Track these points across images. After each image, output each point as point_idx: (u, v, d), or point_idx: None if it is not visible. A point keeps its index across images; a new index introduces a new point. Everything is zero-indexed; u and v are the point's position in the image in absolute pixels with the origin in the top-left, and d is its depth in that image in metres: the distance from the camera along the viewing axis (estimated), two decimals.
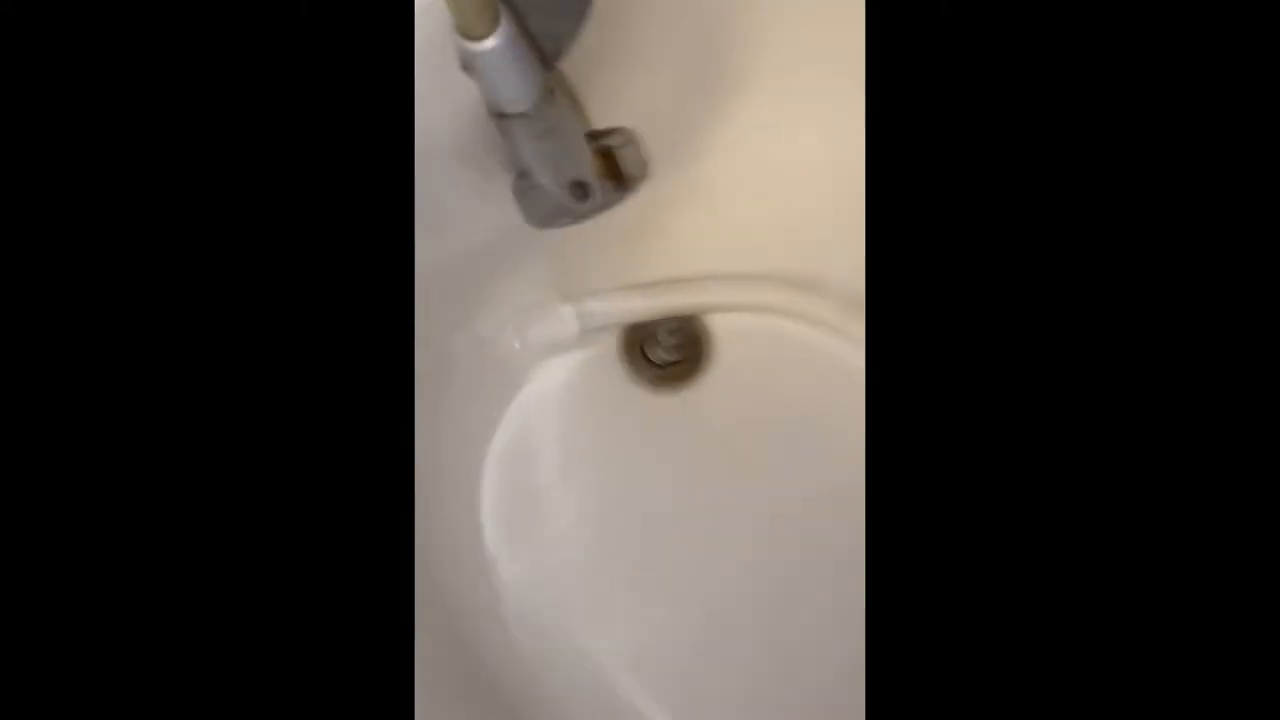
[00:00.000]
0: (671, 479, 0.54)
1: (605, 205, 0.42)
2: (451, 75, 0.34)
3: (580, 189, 0.38)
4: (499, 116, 0.32)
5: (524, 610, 0.49)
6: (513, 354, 0.50)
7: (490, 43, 0.29)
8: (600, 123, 0.42)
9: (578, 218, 0.41)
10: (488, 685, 0.46)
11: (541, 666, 0.48)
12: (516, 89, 0.30)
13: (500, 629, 0.48)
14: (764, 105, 0.52)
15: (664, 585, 0.52)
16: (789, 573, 0.52)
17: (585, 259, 0.52)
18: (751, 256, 0.53)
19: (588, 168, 0.37)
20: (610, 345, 0.55)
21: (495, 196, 0.43)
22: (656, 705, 0.49)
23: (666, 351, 0.54)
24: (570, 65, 0.38)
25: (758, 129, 0.53)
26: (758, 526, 0.53)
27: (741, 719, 0.49)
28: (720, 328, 0.55)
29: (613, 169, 0.41)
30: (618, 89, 0.44)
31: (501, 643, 0.48)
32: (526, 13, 0.31)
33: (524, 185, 0.41)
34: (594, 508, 0.53)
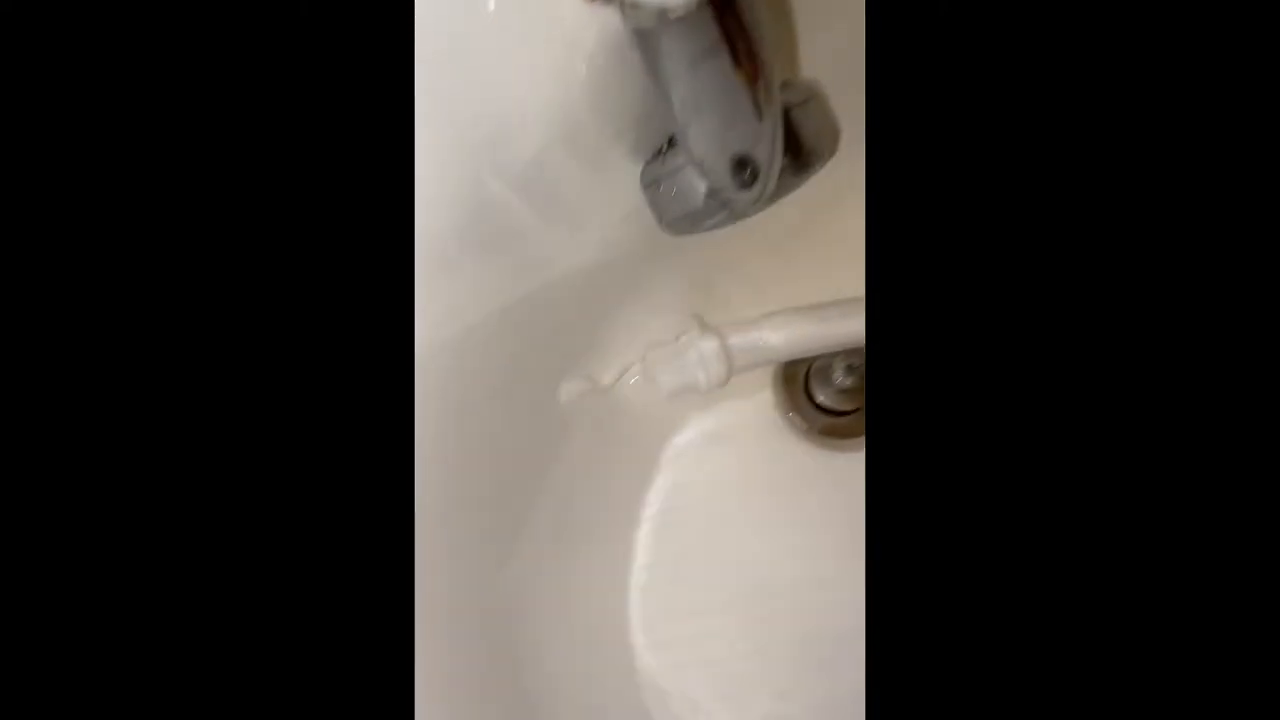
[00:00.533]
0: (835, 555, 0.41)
1: (774, 194, 0.28)
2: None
3: (744, 167, 0.25)
4: (639, 32, 0.20)
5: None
6: (640, 404, 0.39)
7: None
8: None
9: (735, 216, 0.28)
10: None
11: None
12: None
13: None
14: None
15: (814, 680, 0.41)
16: None
17: (733, 272, 0.40)
18: None
19: (770, 133, 0.24)
20: (764, 382, 0.41)
21: (611, 194, 0.31)
22: None
23: (839, 396, 0.41)
24: None
25: None
26: None
27: None
28: None
29: (788, 137, 0.28)
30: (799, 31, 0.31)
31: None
32: None
33: (658, 172, 0.28)
34: (743, 589, 0.41)
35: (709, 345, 0.37)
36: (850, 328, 0.37)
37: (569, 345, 0.38)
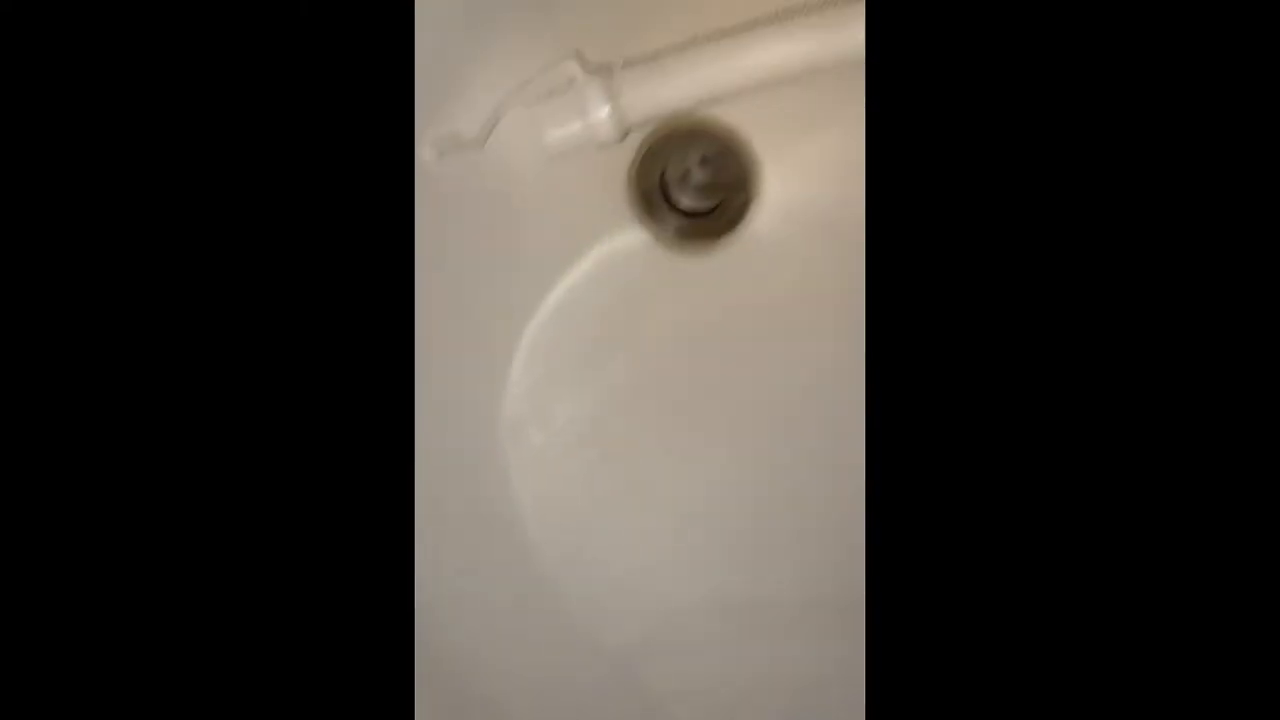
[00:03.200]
0: (699, 361, 0.39)
1: None
2: None
3: None
4: None
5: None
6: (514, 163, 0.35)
7: None
8: None
9: None
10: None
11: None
12: None
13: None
14: None
15: (669, 497, 0.39)
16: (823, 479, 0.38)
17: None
18: None
19: None
20: (617, 173, 0.38)
21: None
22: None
23: (697, 194, 0.38)
24: None
25: None
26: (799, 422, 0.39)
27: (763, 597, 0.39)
28: (779, 157, 0.39)
29: None
30: None
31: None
32: None
33: None
34: (599, 401, 0.39)
35: (592, 86, 0.32)
36: (771, 55, 0.32)
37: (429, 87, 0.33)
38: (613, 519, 0.38)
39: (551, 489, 0.38)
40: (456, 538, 0.35)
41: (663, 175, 0.38)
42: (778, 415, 0.39)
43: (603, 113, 0.32)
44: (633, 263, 0.38)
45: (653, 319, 0.39)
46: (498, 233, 0.37)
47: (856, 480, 0.38)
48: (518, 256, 0.37)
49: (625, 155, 0.38)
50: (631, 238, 0.38)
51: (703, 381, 0.39)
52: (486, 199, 0.36)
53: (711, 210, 0.38)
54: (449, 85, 0.33)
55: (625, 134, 0.33)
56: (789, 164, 0.39)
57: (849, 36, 0.31)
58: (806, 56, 0.32)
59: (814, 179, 0.39)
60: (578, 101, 0.32)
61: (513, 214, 0.37)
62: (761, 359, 0.39)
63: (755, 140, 0.39)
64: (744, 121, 0.38)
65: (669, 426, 0.39)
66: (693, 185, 0.38)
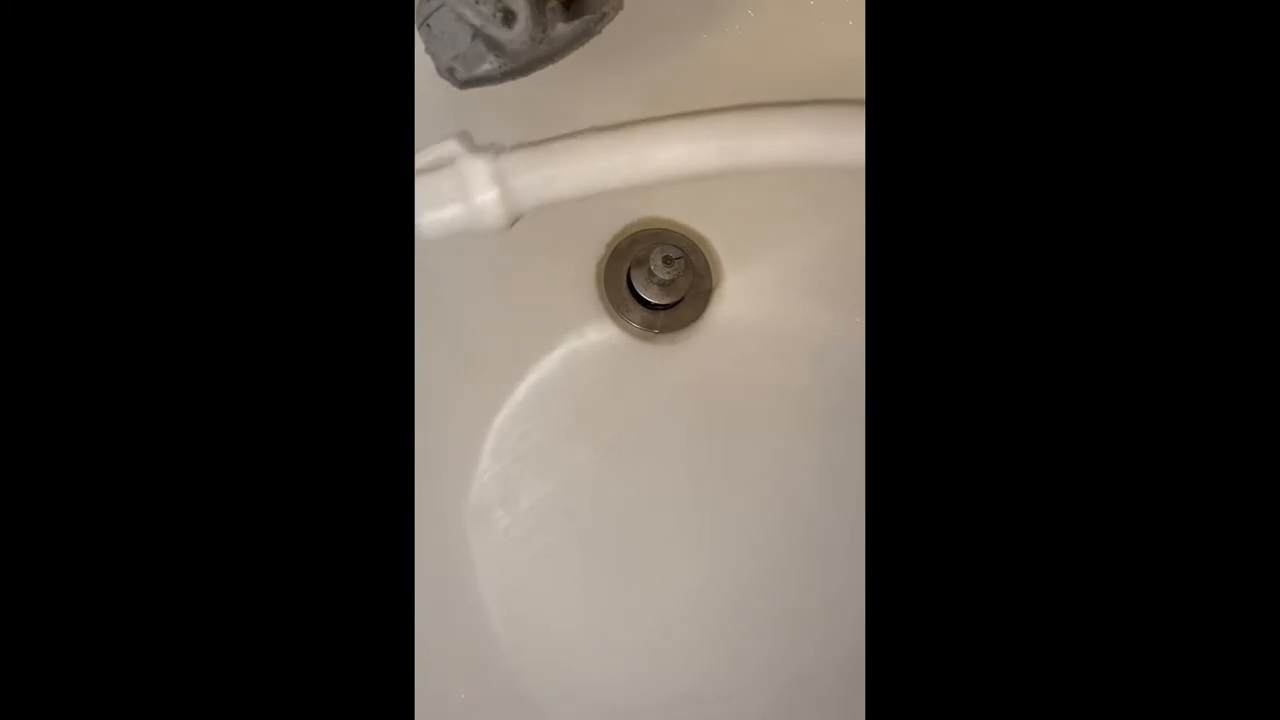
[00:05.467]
0: (665, 447, 0.41)
1: (559, 44, 0.27)
2: None
3: (506, 13, 0.24)
4: None
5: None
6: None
7: None
8: None
9: (515, 63, 0.27)
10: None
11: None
12: None
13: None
14: None
15: (637, 583, 0.41)
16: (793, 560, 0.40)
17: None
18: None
19: None
20: (587, 272, 0.41)
21: None
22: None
23: (661, 290, 0.41)
24: None
25: None
26: (762, 507, 0.40)
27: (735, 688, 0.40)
28: (730, 251, 0.42)
29: None
30: None
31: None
32: None
33: (424, 9, 0.27)
34: (566, 483, 0.41)
35: (476, 168, 0.29)
36: (666, 154, 0.31)
37: None
38: (580, 604, 0.40)
39: (516, 571, 0.40)
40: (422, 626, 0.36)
41: (629, 272, 0.41)
42: (740, 499, 0.41)
43: (490, 196, 0.29)
44: (600, 354, 0.41)
45: (620, 407, 0.42)
46: (471, 325, 0.40)
47: (826, 561, 0.40)
48: (486, 351, 0.40)
49: (595, 254, 0.41)
50: (600, 330, 0.41)
51: (670, 463, 0.42)
52: (459, 292, 0.39)
53: (674, 304, 0.41)
54: None
55: (514, 221, 0.31)
56: (746, 263, 0.42)
57: (756, 144, 0.30)
58: (707, 161, 0.31)
59: (768, 277, 0.41)
60: (459, 183, 0.29)
61: (483, 308, 0.40)
62: (724, 445, 0.41)
63: (715, 240, 0.42)
64: (704, 223, 0.41)
65: (636, 512, 0.41)
66: (657, 282, 0.40)
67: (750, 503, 0.41)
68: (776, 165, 0.30)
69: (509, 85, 0.30)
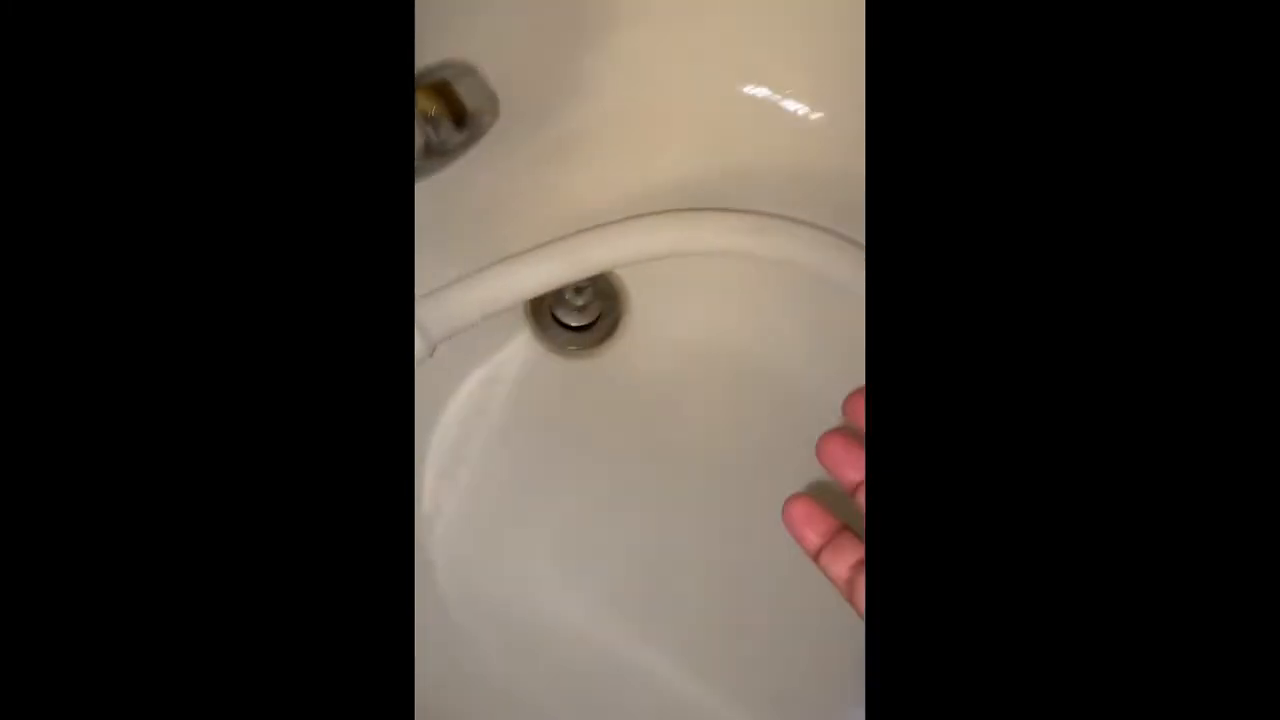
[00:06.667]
0: (604, 445, 0.50)
1: (450, 149, 0.38)
2: None
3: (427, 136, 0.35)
4: None
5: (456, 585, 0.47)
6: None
7: None
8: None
9: (418, 170, 0.37)
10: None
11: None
12: None
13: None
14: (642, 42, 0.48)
15: (600, 548, 0.49)
16: (731, 525, 0.49)
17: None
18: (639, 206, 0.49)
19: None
20: (518, 313, 0.51)
21: None
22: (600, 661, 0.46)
23: (578, 314, 0.51)
24: None
25: (634, 68, 0.49)
26: (697, 481, 0.49)
27: (689, 665, 0.47)
28: (630, 276, 0.52)
29: (451, 104, 0.37)
30: (451, 32, 0.41)
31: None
32: None
33: None
34: (527, 484, 0.50)
35: None
36: (539, 277, 0.43)
37: None
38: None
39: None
40: None
41: (550, 300, 0.51)
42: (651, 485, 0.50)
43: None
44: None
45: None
46: None
47: (750, 518, 0.49)
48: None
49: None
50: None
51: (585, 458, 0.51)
52: None
53: (589, 326, 0.51)
54: None
55: (433, 350, 0.41)
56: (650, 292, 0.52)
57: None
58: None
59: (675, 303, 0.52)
60: None
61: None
62: (634, 443, 0.51)
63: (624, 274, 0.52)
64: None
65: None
66: (574, 307, 0.51)
67: (681, 475, 0.50)
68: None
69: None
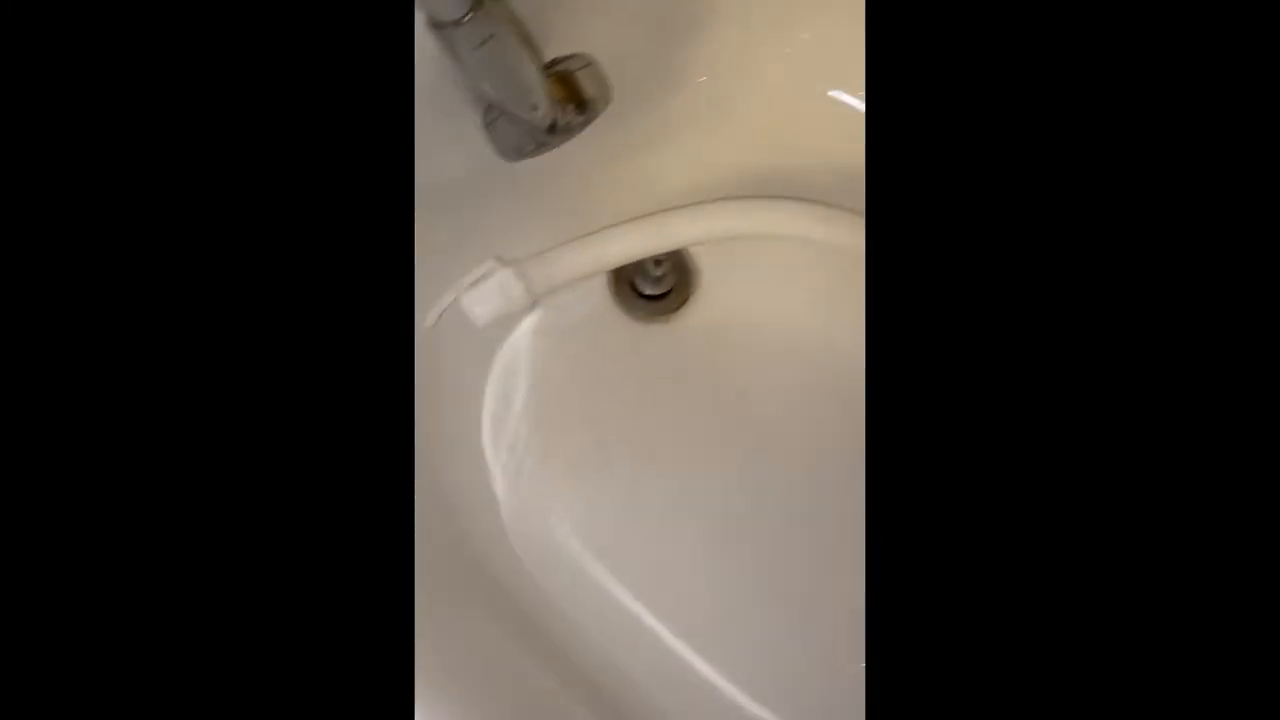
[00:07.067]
0: (668, 406, 0.55)
1: (572, 131, 0.43)
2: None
3: (536, 110, 0.40)
4: (435, 27, 0.34)
5: (521, 524, 0.51)
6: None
7: None
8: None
9: (540, 145, 0.42)
10: (489, 579, 0.47)
11: (539, 571, 0.50)
12: None
13: (499, 532, 0.50)
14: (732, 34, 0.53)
15: (661, 507, 0.53)
16: (786, 493, 0.53)
17: (549, 212, 0.53)
18: (726, 189, 0.54)
19: (538, 82, 0.39)
20: (601, 281, 0.56)
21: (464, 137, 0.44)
22: (654, 617, 0.50)
23: (654, 284, 0.56)
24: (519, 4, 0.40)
25: (728, 64, 0.54)
26: (755, 450, 0.54)
27: (739, 634, 0.50)
28: (705, 255, 0.57)
29: (573, 91, 0.42)
30: (574, 27, 0.46)
31: (500, 544, 0.49)
32: None
33: (488, 117, 0.43)
34: (592, 435, 0.54)
35: (506, 274, 0.47)
36: (631, 247, 0.49)
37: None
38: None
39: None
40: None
41: (631, 269, 0.56)
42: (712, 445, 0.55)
43: (519, 291, 0.47)
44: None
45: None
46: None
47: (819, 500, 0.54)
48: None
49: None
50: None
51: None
52: None
53: (663, 296, 0.56)
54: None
55: (534, 303, 0.48)
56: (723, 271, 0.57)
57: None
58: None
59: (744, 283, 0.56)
60: (499, 285, 0.46)
61: None
62: (696, 405, 0.56)
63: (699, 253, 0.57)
64: None
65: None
66: (652, 277, 0.56)
67: (733, 439, 0.55)
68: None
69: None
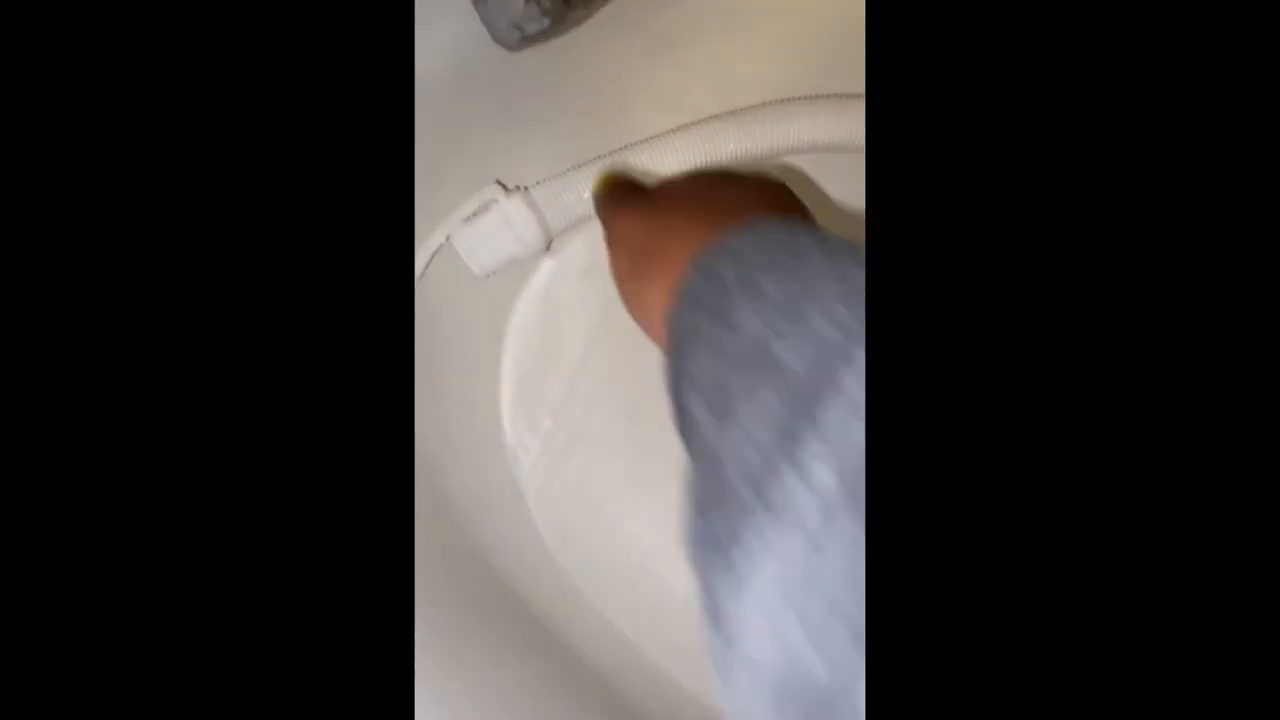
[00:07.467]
0: None
1: (589, 6, 0.34)
2: None
3: None
4: None
5: (546, 495, 0.44)
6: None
7: None
8: None
9: (554, 22, 0.33)
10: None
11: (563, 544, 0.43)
12: None
13: (524, 517, 0.43)
14: None
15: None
16: None
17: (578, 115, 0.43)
18: (784, 86, 0.44)
19: None
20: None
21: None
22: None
23: None
24: None
25: None
26: None
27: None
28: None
29: None
30: None
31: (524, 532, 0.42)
32: None
33: None
34: (614, 390, 0.46)
35: (513, 204, 0.35)
36: (659, 166, 0.38)
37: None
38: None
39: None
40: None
41: None
42: None
43: (531, 228, 0.35)
44: None
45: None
46: None
47: None
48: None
49: None
50: None
51: None
52: None
53: None
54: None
55: (549, 243, 0.37)
56: None
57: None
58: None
59: None
60: (503, 219, 0.35)
61: None
62: None
63: None
64: None
65: None
66: None
67: None
68: None
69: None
